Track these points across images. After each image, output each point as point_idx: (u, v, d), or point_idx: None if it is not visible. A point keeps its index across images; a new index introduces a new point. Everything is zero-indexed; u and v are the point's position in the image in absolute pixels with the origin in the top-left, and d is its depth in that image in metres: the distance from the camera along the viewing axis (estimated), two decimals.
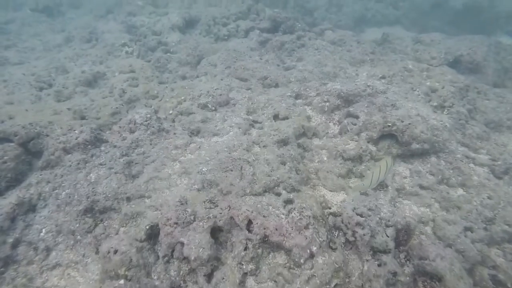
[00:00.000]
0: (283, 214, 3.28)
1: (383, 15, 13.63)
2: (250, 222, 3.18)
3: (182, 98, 5.31)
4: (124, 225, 3.59)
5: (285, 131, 4.44)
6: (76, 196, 3.78)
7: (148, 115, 4.79)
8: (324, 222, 3.35)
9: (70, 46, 9.20)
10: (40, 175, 4.09)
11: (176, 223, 3.16)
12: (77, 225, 3.61)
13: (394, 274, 3.01)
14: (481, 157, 4.56)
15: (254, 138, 4.40)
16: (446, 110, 5.09)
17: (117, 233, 3.53)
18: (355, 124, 4.71)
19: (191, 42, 8.20)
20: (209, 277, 3.01)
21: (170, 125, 4.87)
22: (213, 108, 5.15)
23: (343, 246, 3.30)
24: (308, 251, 3.03)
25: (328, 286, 2.90)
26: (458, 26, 11.99)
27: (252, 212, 3.20)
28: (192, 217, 3.20)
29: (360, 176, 4.23)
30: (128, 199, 3.80)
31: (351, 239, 3.29)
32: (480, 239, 3.62)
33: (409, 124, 4.45)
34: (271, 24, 8.18)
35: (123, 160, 4.19)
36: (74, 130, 4.47)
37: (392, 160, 3.91)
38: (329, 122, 5.01)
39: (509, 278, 3.26)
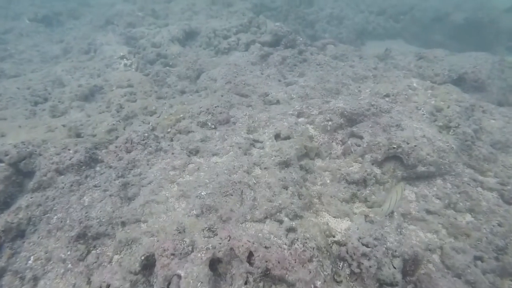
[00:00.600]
0: (285, 244, 3.13)
1: (384, 28, 13.66)
2: (251, 254, 3.01)
3: (181, 115, 5.15)
4: (118, 252, 3.39)
5: (287, 152, 4.28)
6: (68, 221, 3.61)
7: (146, 134, 4.64)
8: (328, 253, 3.19)
9: (67, 57, 9.07)
10: (31, 197, 3.90)
11: (173, 254, 2.99)
12: (69, 252, 3.42)
13: None
14: (489, 181, 4.41)
15: (255, 159, 4.24)
16: (452, 131, 4.96)
17: (110, 262, 3.34)
18: (359, 145, 4.57)
19: (191, 55, 8.09)
20: None
21: (168, 144, 4.71)
22: (213, 126, 5.00)
23: (348, 278, 3.15)
24: (312, 286, 2.86)
25: None
26: (460, 41, 12.02)
27: (253, 243, 3.03)
28: (190, 248, 3.04)
29: (365, 201, 4.07)
30: (123, 223, 3.62)
31: (357, 270, 3.16)
32: (491, 270, 3.47)
33: (415, 146, 4.33)
34: (272, 38, 8.09)
35: (119, 182, 4.02)
36: (69, 150, 4.29)
37: (403, 186, 3.77)
38: (332, 142, 4.86)
39: None
